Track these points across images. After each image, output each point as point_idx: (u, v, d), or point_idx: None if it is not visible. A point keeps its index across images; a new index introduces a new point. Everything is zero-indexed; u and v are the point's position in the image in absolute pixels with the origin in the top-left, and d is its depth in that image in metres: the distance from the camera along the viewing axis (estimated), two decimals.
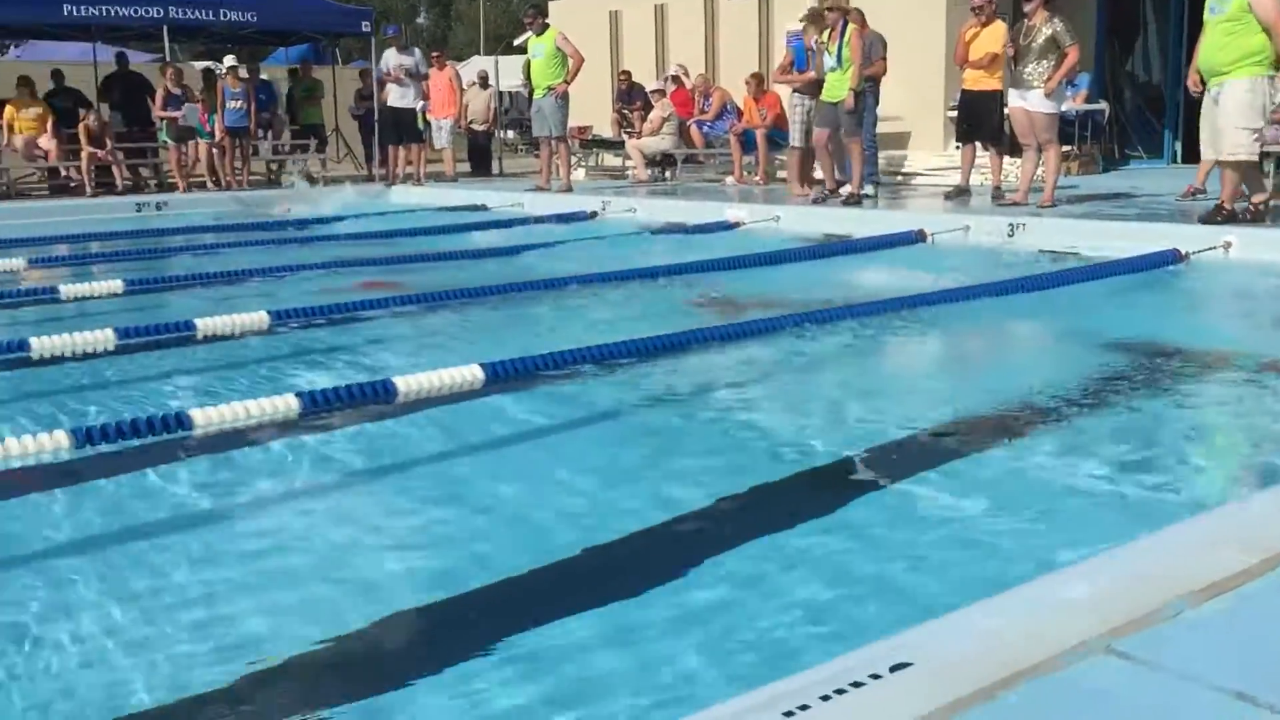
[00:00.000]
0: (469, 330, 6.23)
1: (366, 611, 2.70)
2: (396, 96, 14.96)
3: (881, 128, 11.57)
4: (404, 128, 15.10)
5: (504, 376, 4.59)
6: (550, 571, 2.93)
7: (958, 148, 11.61)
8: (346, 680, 2.45)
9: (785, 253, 8.28)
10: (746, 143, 13.88)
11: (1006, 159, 11.10)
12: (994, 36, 10.11)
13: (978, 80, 10.35)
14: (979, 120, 10.47)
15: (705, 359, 5.23)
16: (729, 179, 14.01)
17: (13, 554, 3.15)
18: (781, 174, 13.51)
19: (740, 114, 14.35)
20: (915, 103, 13.72)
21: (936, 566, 2.90)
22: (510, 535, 3.22)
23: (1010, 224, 8.74)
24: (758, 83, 13.82)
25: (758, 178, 13.67)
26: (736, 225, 10.00)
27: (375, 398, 4.29)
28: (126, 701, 2.31)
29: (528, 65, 13.99)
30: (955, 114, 11.47)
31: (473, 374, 4.50)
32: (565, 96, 12.81)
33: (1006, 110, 10.16)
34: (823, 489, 3.57)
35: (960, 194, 10.94)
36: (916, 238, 8.71)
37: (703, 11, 17.00)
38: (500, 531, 3.26)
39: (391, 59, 15.03)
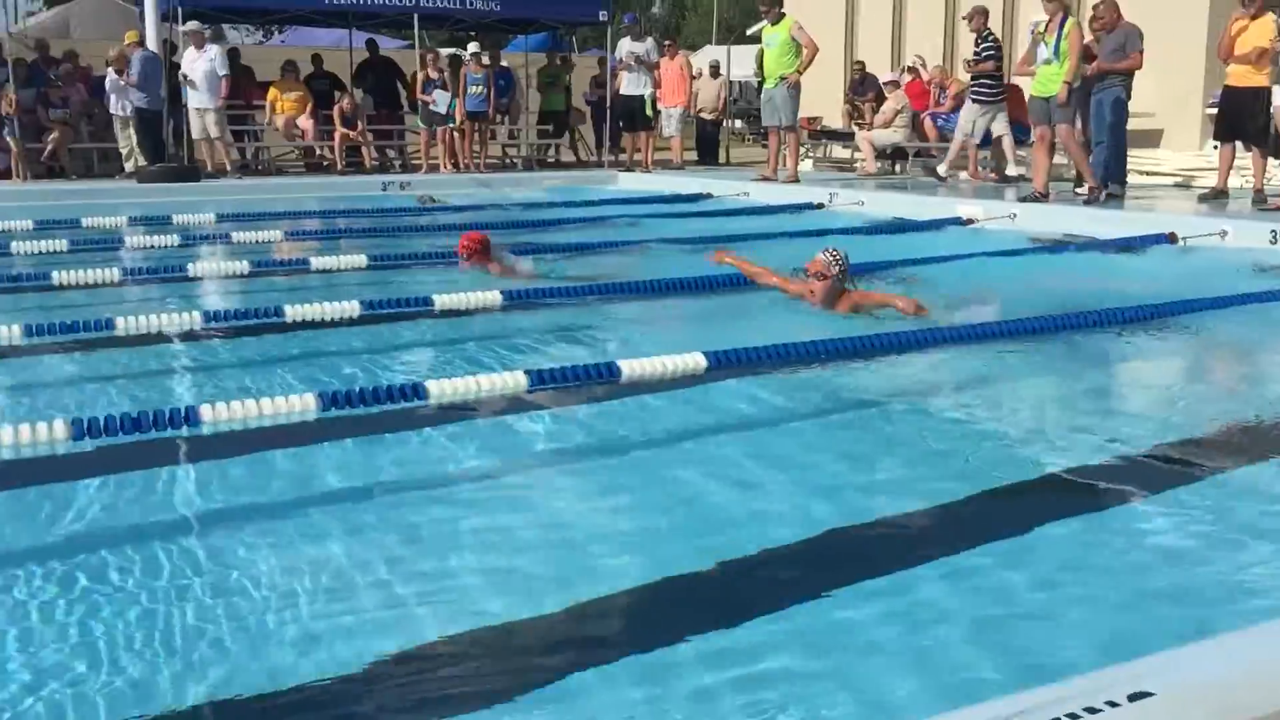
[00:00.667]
0: (693, 317, 6.26)
1: (576, 589, 2.74)
2: (628, 84, 15.18)
3: (1132, 124, 10.95)
4: (634, 115, 15.32)
5: (725, 365, 4.59)
6: (752, 563, 2.91)
7: (1215, 147, 10.88)
8: (552, 654, 2.50)
9: (1019, 251, 7.96)
10: (984, 138, 13.42)
11: (1271, 160, 10.32)
12: (1263, 30, 9.42)
13: (1243, 76, 9.67)
14: (1242, 118, 9.79)
15: (931, 360, 5.09)
16: (963, 174, 13.58)
17: (260, 504, 3.37)
18: (1016, 170, 13.00)
19: None
20: (1170, 99, 12.94)
21: (1177, 593, 2.72)
22: (715, 524, 3.22)
23: (1274, 230, 8.13)
24: None
25: (993, 174, 13.20)
26: (970, 222, 9.68)
27: (599, 379, 4.36)
28: (360, 646, 2.44)
29: (761, 54, 13.94)
30: (1215, 111, 10.75)
31: (695, 361, 4.52)
32: (797, 86, 12.69)
33: (1273, 108, 9.44)
34: (1048, 502, 3.41)
35: (1217, 196, 10.25)
36: (1167, 240, 8.21)
37: (944, 1, 16.50)
38: (706, 520, 3.26)
39: (624, 46, 15.27)
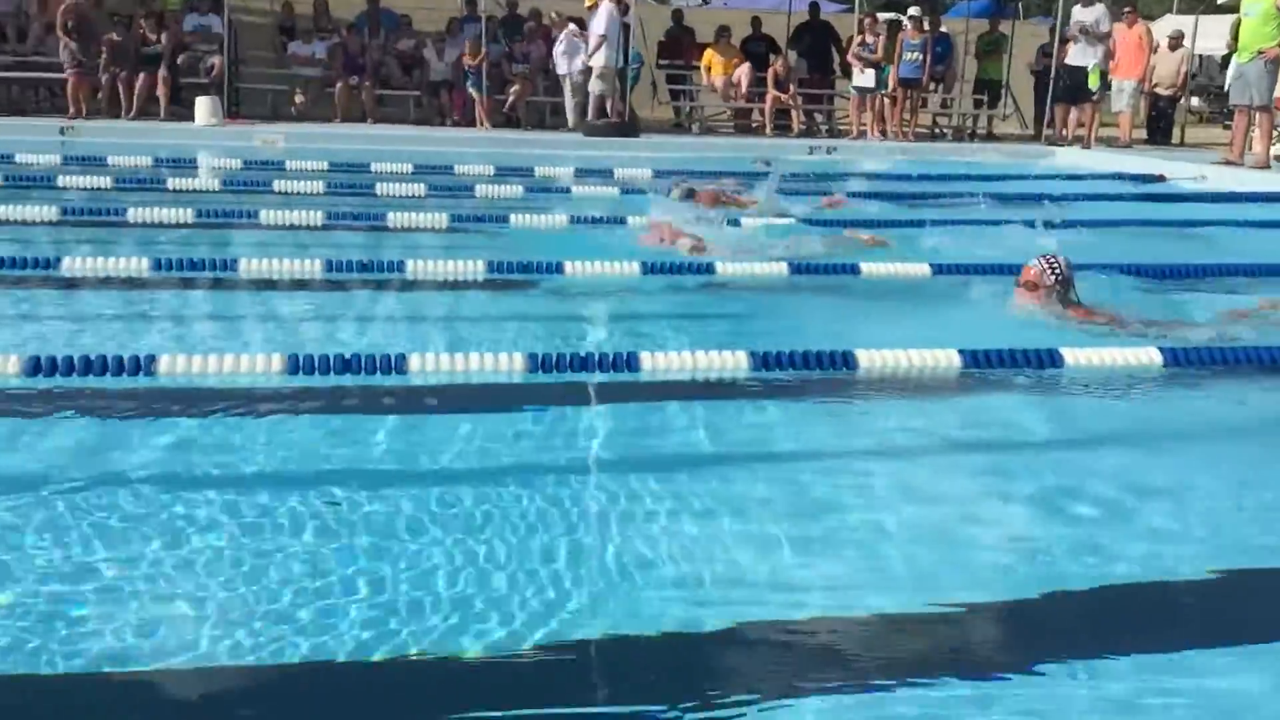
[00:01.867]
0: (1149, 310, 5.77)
1: (940, 592, 2.63)
2: (1074, 54, 14.23)
3: None
4: (1077, 87, 14.35)
5: (1184, 363, 4.21)
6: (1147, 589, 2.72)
7: None
8: (919, 654, 2.42)
9: None
10: None
11: None
12: None
13: None
14: None
15: None
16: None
17: (664, 454, 3.43)
18: None
19: None
20: None
21: None
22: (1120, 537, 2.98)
23: None
24: None
25: None
26: None
27: (1040, 365, 4.13)
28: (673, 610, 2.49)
29: (1237, 24, 12.59)
30: None
31: (1149, 356, 4.17)
32: (1276, 62, 11.37)
33: None
34: None
35: None
36: None
37: None
38: (1104, 531, 3.03)
39: (1076, 14, 14.31)
